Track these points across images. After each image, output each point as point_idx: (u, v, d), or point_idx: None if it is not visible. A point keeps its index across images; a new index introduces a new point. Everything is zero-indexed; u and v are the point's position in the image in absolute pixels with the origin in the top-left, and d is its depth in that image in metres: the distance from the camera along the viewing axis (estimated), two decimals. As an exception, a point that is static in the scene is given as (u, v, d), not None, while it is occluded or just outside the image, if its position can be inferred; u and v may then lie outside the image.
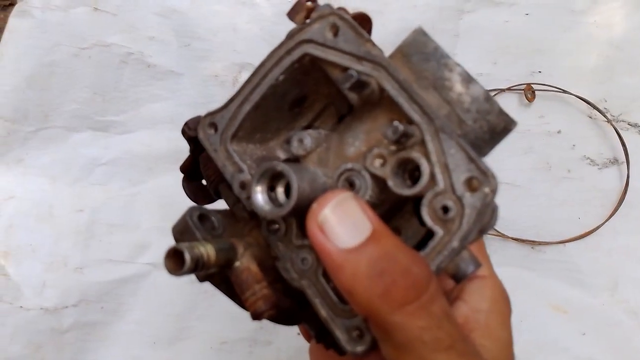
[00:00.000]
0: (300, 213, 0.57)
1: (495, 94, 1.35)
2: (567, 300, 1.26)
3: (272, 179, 0.57)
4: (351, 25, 0.59)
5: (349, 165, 0.59)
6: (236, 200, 0.67)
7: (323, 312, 0.60)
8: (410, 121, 0.57)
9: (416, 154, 0.57)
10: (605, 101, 1.34)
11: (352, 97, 0.60)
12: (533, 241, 1.30)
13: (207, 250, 0.55)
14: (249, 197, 0.61)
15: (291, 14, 0.63)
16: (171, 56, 1.34)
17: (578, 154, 1.34)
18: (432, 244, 0.56)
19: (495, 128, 0.59)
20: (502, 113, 0.59)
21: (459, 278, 0.57)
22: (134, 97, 1.32)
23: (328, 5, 0.61)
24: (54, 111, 1.26)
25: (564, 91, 1.34)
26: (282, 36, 0.64)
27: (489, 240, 1.30)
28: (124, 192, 1.29)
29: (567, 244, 1.29)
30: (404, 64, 0.61)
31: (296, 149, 0.62)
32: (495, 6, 1.39)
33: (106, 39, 1.30)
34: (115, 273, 1.25)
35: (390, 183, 0.57)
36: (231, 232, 0.65)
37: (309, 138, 0.61)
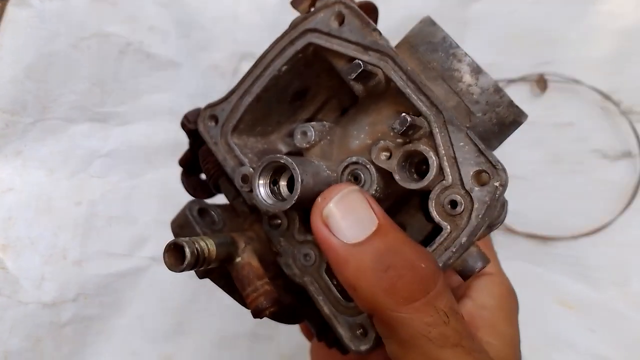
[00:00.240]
0: (303, 207, 0.56)
1: (505, 85, 1.34)
2: (576, 296, 1.25)
3: (275, 172, 0.56)
4: (357, 14, 0.58)
5: (354, 159, 0.58)
6: (236, 195, 0.66)
7: (326, 309, 0.60)
8: (417, 113, 0.56)
9: (424, 147, 0.56)
10: (618, 92, 1.32)
11: (358, 88, 0.59)
12: (543, 236, 1.29)
13: (208, 245, 0.54)
14: (250, 191, 0.61)
15: (295, 3, 0.62)
16: (171, 46, 1.33)
17: (589, 146, 1.32)
18: (439, 239, 0.55)
19: (504, 121, 0.59)
20: (512, 105, 0.58)
21: (466, 275, 0.56)
22: (133, 88, 1.31)
23: None
24: (53, 102, 1.26)
25: (576, 82, 1.32)
26: (284, 25, 0.63)
27: (498, 235, 1.29)
28: (123, 184, 1.29)
29: (577, 238, 1.28)
30: (411, 55, 0.60)
31: (299, 141, 0.61)
32: (505, -7, 1.38)
33: (105, 29, 1.29)
34: (114, 266, 1.24)
35: (397, 177, 0.57)
36: (231, 227, 0.65)
37: (312, 130, 0.60)
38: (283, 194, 0.57)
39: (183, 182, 0.76)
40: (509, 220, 1.30)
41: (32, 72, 1.23)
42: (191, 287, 1.26)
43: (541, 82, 1.34)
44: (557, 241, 1.28)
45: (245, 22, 1.34)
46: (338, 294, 0.60)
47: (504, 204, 0.58)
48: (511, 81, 1.35)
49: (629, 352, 1.20)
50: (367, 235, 0.51)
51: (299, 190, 0.52)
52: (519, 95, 1.34)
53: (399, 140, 0.57)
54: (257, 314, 0.57)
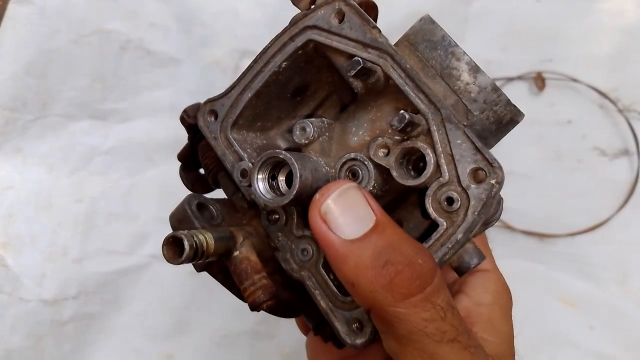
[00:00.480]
0: (301, 203, 0.57)
1: (504, 83, 1.35)
2: (576, 293, 1.26)
3: (274, 167, 0.57)
4: (357, 12, 0.59)
5: (352, 155, 0.59)
6: (235, 190, 0.67)
7: (323, 303, 0.61)
8: (415, 110, 0.57)
9: (421, 144, 0.56)
10: (616, 90, 1.33)
11: (357, 85, 0.60)
12: (542, 234, 1.29)
13: (207, 239, 0.55)
14: (249, 185, 0.61)
15: (295, 0, 0.63)
16: (171, 43, 1.33)
17: (588, 144, 1.33)
18: (435, 235, 0.56)
19: (502, 119, 0.59)
20: (509, 104, 0.59)
21: (462, 271, 0.57)
22: (133, 85, 1.31)
23: None
24: (53, 99, 1.26)
25: (575, 80, 1.33)
26: (285, 22, 0.63)
27: (497, 232, 1.30)
28: (124, 181, 1.29)
29: (576, 236, 1.29)
30: (411, 52, 0.61)
31: (298, 137, 0.62)
32: (506, -9, 1.38)
33: (106, 25, 1.29)
34: (114, 264, 1.25)
35: (395, 173, 0.57)
36: (230, 222, 0.65)
37: (311, 126, 0.61)
38: (281, 189, 0.57)
39: (182, 177, 0.76)
40: (508, 217, 1.30)
41: (33, 69, 1.23)
42: (192, 285, 1.26)
43: (539, 80, 1.34)
44: (557, 238, 1.29)
45: (246, 19, 1.34)
46: (335, 289, 0.61)
47: (499, 202, 0.59)
48: (510, 79, 1.35)
49: (630, 349, 1.20)
50: (365, 232, 0.51)
51: (297, 186, 0.53)
52: (517, 93, 1.35)
53: (397, 137, 0.58)
54: (255, 307, 0.58)
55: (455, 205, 0.55)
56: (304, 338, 0.86)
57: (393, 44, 0.60)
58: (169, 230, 0.61)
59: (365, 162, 0.59)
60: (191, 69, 1.33)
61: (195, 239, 0.53)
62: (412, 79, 0.57)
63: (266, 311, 0.60)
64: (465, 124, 0.56)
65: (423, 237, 0.58)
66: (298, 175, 0.53)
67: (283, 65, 0.62)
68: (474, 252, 0.57)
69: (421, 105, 0.56)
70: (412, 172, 0.59)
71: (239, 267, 0.59)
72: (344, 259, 0.51)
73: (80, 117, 1.29)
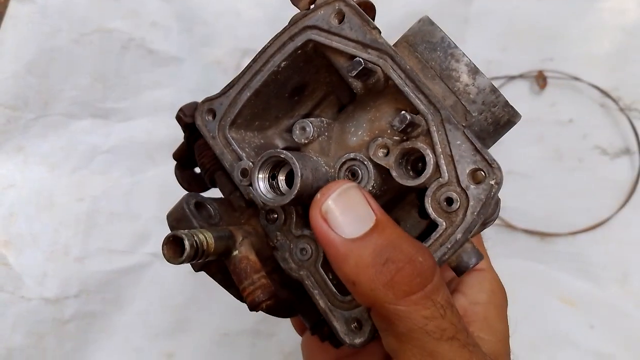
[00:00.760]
0: (301, 202, 0.57)
1: (505, 82, 1.34)
2: (576, 293, 1.26)
3: (274, 166, 0.57)
4: (357, 12, 0.59)
5: (351, 155, 0.59)
6: (233, 189, 0.67)
7: (322, 303, 0.61)
8: (415, 111, 0.57)
9: (421, 145, 0.57)
10: (618, 89, 1.33)
11: (356, 85, 0.60)
12: (542, 232, 1.29)
13: (207, 238, 0.55)
14: (250, 185, 0.61)
15: (294, 0, 0.63)
16: (173, 42, 1.33)
17: (589, 143, 1.33)
18: (434, 235, 0.56)
19: (499, 120, 0.60)
20: (507, 105, 0.60)
21: (461, 270, 0.58)
22: (135, 84, 1.31)
23: None
24: (54, 98, 1.26)
25: (576, 78, 1.33)
26: (286, 21, 0.64)
27: (497, 232, 1.30)
28: (125, 180, 1.29)
29: (577, 235, 1.29)
30: (410, 53, 0.61)
31: (298, 137, 0.62)
32: (506, -9, 1.38)
33: (107, 24, 1.29)
34: (116, 263, 1.25)
35: (394, 173, 0.58)
36: (228, 221, 0.65)
37: (311, 126, 0.61)
38: (281, 189, 0.58)
39: (177, 176, 0.76)
40: (508, 216, 1.30)
41: (34, 68, 1.23)
42: (193, 284, 1.26)
43: (541, 79, 1.34)
44: (557, 238, 1.29)
45: (247, 18, 1.34)
46: (334, 288, 0.61)
47: (497, 202, 0.60)
48: (511, 78, 1.35)
49: (629, 349, 1.20)
50: (365, 231, 0.52)
51: (298, 185, 0.53)
52: (518, 92, 1.35)
53: (397, 138, 0.58)
54: (254, 307, 0.58)
55: (455, 206, 0.55)
56: (305, 337, 0.86)
57: (392, 45, 0.60)
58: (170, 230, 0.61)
59: (365, 162, 0.59)
60: (192, 69, 1.33)
61: (195, 238, 0.53)
62: (412, 80, 0.57)
63: (264, 311, 0.60)
64: (464, 124, 0.57)
65: (421, 237, 0.58)
66: (299, 175, 0.53)
67: (282, 65, 0.62)
68: (473, 251, 0.57)
69: (421, 106, 0.57)
70: (411, 173, 0.60)
71: (238, 267, 0.59)
72: (344, 258, 0.51)
73: (82, 116, 1.28)
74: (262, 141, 0.68)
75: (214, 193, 0.70)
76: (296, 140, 0.62)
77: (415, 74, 0.57)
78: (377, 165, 0.59)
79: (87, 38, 1.28)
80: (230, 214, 0.66)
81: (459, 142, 0.56)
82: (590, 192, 1.31)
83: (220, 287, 0.65)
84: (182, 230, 0.53)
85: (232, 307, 1.26)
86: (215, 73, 1.33)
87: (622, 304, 1.23)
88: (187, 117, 0.68)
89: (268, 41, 0.63)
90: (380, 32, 0.59)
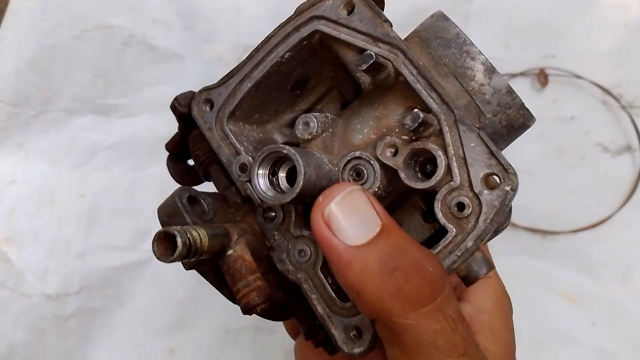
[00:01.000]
0: (302, 202, 0.53)
1: (507, 79, 1.34)
2: (578, 290, 1.24)
3: (275, 162, 0.53)
4: (368, 4, 0.56)
5: (357, 154, 0.56)
6: (228, 184, 0.63)
7: (319, 308, 0.57)
8: (427, 109, 0.53)
9: (432, 145, 0.53)
10: (619, 86, 1.32)
11: (364, 80, 0.56)
12: (544, 230, 1.28)
13: (200, 236, 0.51)
14: (248, 181, 0.58)
15: None
16: (174, 38, 1.31)
17: (591, 140, 1.31)
18: (443, 242, 0.52)
19: (514, 123, 0.57)
20: (522, 108, 0.56)
21: (470, 280, 0.54)
22: (136, 80, 1.29)
23: None
24: (55, 94, 1.25)
25: (577, 76, 1.31)
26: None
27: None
28: (126, 177, 1.27)
29: (578, 232, 1.28)
30: (422, 49, 0.57)
31: (301, 132, 0.57)
32: (508, -13, 1.37)
33: (108, 20, 1.28)
34: (117, 259, 1.23)
35: (402, 175, 0.54)
36: (222, 217, 0.61)
37: (315, 121, 0.57)
38: (282, 187, 0.54)
39: (169, 168, 0.72)
40: (511, 214, 1.30)
41: (35, 64, 1.23)
42: (194, 280, 1.24)
43: (542, 76, 1.33)
44: (559, 235, 1.28)
45: (248, 14, 1.33)
46: (333, 294, 0.57)
47: (510, 208, 0.55)
48: (513, 75, 1.34)
49: (631, 346, 1.18)
50: (370, 237, 0.48)
51: (301, 184, 0.49)
52: (520, 89, 1.32)
53: (405, 137, 0.55)
54: (248, 310, 0.54)
55: (466, 212, 0.52)
56: (306, 334, 0.85)
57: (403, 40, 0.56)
58: (170, 226, 0.58)
59: (371, 162, 0.55)
60: (194, 65, 1.32)
61: (188, 235, 0.49)
62: (425, 77, 0.53)
63: (258, 314, 0.57)
64: (477, 126, 0.53)
65: (426, 243, 0.55)
66: (302, 172, 0.49)
67: (286, 56, 0.59)
68: (483, 261, 0.54)
69: (433, 104, 0.53)
70: (419, 174, 0.56)
71: (233, 267, 0.55)
72: (348, 265, 0.48)
73: (83, 112, 1.28)
74: (260, 135, 0.64)
75: (208, 187, 0.66)
76: (299, 135, 0.58)
77: (428, 70, 0.54)
78: (383, 165, 0.55)
79: (88, 34, 1.27)
80: (224, 210, 0.62)
81: (472, 144, 0.52)
82: (591, 190, 1.29)
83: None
84: (174, 227, 0.49)
85: (233, 304, 1.25)
86: (217, 69, 1.30)
87: (623, 301, 1.21)
88: (182, 107, 0.65)
89: (272, 30, 0.59)
90: (391, 26, 0.56)
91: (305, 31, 0.58)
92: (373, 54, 0.53)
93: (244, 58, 0.63)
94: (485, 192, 0.52)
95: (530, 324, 1.22)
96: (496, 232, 0.56)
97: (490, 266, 0.54)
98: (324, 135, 0.58)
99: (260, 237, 0.61)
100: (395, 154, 0.55)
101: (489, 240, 0.54)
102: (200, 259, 0.53)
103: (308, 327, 0.62)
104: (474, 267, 0.54)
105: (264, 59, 0.59)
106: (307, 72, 0.62)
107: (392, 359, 0.51)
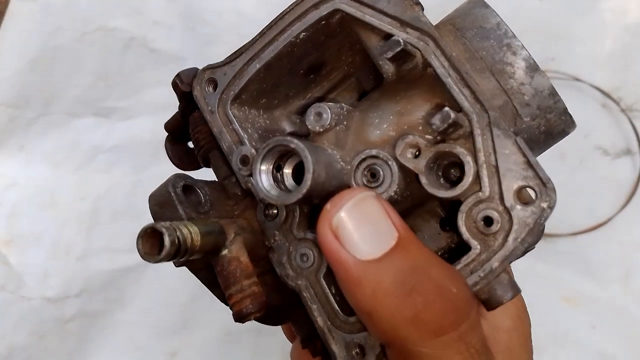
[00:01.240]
0: (309, 203, 0.47)
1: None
2: (578, 292, 1.22)
3: (280, 156, 0.47)
4: None
5: (373, 152, 0.49)
6: (229, 173, 0.56)
7: (320, 321, 0.51)
8: (457, 108, 0.47)
9: (461, 149, 0.46)
10: (619, 90, 1.30)
11: (388, 69, 0.49)
12: (545, 233, 1.28)
13: (192, 234, 0.45)
14: (250, 175, 0.51)
15: None
16: (175, 40, 1.29)
17: (591, 143, 1.30)
18: (465, 259, 0.46)
19: (552, 130, 0.51)
20: (565, 113, 0.50)
21: (492, 305, 0.47)
22: (137, 83, 1.27)
23: None
24: (56, 97, 1.23)
25: (577, 79, 1.31)
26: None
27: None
28: (128, 179, 1.25)
29: (578, 235, 1.28)
30: (456, 39, 0.51)
31: (312, 123, 0.51)
32: (508, -10, 1.37)
33: (110, 23, 1.26)
34: (118, 262, 1.21)
35: (424, 180, 0.47)
36: (219, 210, 0.55)
37: (329, 112, 0.50)
38: (287, 184, 0.48)
39: (167, 150, 0.66)
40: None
41: (36, 66, 1.22)
42: (195, 282, 1.24)
43: (542, 80, 1.33)
44: (559, 238, 1.27)
45: (250, 16, 1.31)
46: (336, 305, 0.51)
47: (543, 228, 0.48)
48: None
49: (632, 348, 1.16)
50: (385, 251, 0.42)
51: (308, 183, 0.43)
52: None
53: (429, 137, 0.48)
54: (240, 319, 0.49)
55: (494, 228, 0.45)
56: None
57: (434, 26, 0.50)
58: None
59: (389, 162, 0.48)
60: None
61: (178, 233, 0.43)
62: (457, 70, 0.47)
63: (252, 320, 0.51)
64: (513, 131, 0.47)
65: (442, 254, 0.50)
66: (310, 171, 0.43)
67: (301, 36, 0.52)
68: (509, 284, 0.46)
69: (465, 102, 0.46)
70: (441, 180, 0.49)
71: (227, 269, 0.49)
72: (358, 283, 0.41)
73: (84, 114, 1.26)
74: (267, 122, 0.58)
75: (207, 174, 0.61)
76: (310, 127, 0.51)
77: (462, 63, 0.47)
78: (402, 167, 0.48)
79: (89, 37, 1.26)
80: (222, 202, 0.56)
81: (507, 151, 0.45)
82: (592, 193, 1.29)
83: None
84: (162, 223, 0.43)
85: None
86: (218, 72, 1.32)
87: (624, 304, 1.20)
88: (184, 85, 0.58)
89: (288, 6, 0.52)
90: (423, 9, 0.49)
91: (324, 9, 0.51)
92: (401, 41, 0.46)
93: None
94: (518, 207, 0.45)
95: (531, 325, 1.22)
96: (524, 252, 0.48)
97: (517, 290, 0.47)
98: (338, 128, 0.51)
99: (259, 235, 0.54)
100: (417, 155, 0.48)
101: (516, 259, 0.47)
102: (191, 258, 0.47)
103: (305, 335, 0.57)
104: (498, 290, 0.46)
105: (276, 37, 0.53)
106: (322, 56, 0.55)
107: None
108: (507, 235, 0.45)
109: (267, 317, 0.54)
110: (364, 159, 0.49)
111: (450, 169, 0.49)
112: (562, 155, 1.32)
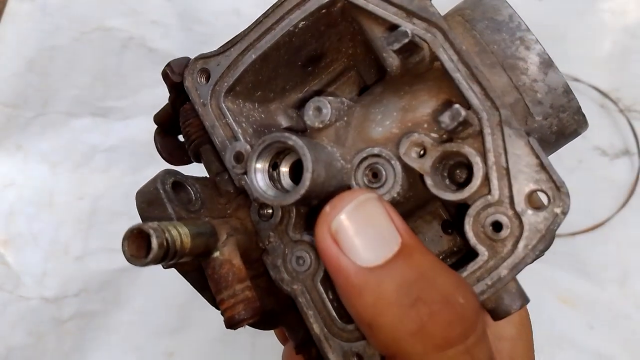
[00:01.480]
0: (306, 203, 0.44)
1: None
2: (575, 293, 1.19)
3: (277, 153, 0.44)
4: None
5: (376, 150, 0.45)
6: (221, 169, 0.53)
7: (316, 328, 0.48)
8: (465, 105, 0.43)
9: (469, 149, 0.43)
10: (617, 90, 1.28)
11: (392, 62, 0.46)
12: (542, 233, 1.28)
13: (181, 235, 0.42)
14: (244, 173, 0.48)
15: None
16: (173, 40, 1.27)
17: (589, 144, 1.28)
18: (472, 266, 0.43)
19: (565, 130, 0.47)
20: (578, 112, 0.47)
21: (498, 315, 0.44)
22: (135, 83, 1.25)
23: None
24: (54, 96, 1.23)
25: (576, 80, 1.30)
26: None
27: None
28: (126, 179, 1.23)
29: (576, 235, 1.28)
30: (466, 31, 0.47)
31: (311, 119, 0.47)
32: (507, -9, 1.36)
33: (108, 22, 1.24)
34: (116, 262, 1.19)
35: (429, 181, 0.44)
36: (210, 208, 0.52)
37: (329, 107, 0.47)
38: (283, 183, 0.45)
39: (156, 143, 0.63)
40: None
41: (34, 66, 1.21)
42: (194, 282, 1.25)
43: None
44: (557, 238, 1.27)
45: (247, 17, 1.30)
46: (333, 312, 0.48)
47: (554, 234, 0.46)
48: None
49: (629, 349, 1.14)
50: (387, 257, 0.39)
51: (307, 183, 0.40)
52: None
53: (435, 135, 0.45)
54: (232, 325, 0.46)
55: (503, 233, 0.42)
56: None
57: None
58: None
59: (392, 162, 0.45)
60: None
61: (167, 234, 0.40)
62: (467, 65, 0.43)
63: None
64: (525, 130, 0.43)
65: (444, 258, 0.47)
66: (310, 170, 0.40)
67: (300, 25, 0.48)
68: (517, 293, 0.44)
69: (474, 99, 0.43)
70: (447, 181, 0.46)
71: (218, 272, 0.47)
72: (359, 292, 0.38)
73: (82, 114, 1.25)
74: (262, 116, 0.54)
75: (196, 169, 0.58)
76: (308, 122, 0.48)
77: (472, 57, 0.44)
78: (406, 167, 0.45)
79: (87, 36, 1.25)
80: (214, 200, 0.53)
81: (518, 152, 0.42)
82: (589, 193, 1.28)
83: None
84: (150, 223, 0.40)
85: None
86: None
87: (621, 305, 1.17)
88: (175, 75, 0.55)
89: None
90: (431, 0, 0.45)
91: None
92: (409, 32, 0.42)
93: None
94: (529, 212, 0.42)
95: (529, 326, 1.21)
96: (534, 260, 0.46)
97: (525, 299, 0.44)
98: (338, 124, 0.48)
99: (252, 236, 0.51)
100: (422, 155, 0.44)
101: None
102: (181, 261, 0.43)
103: (300, 341, 0.53)
104: (506, 299, 0.43)
105: (273, 26, 0.49)
106: (322, 47, 0.52)
107: None
108: (517, 242, 0.42)
109: (260, 322, 0.51)
110: (365, 158, 0.46)
111: (455, 169, 0.46)
112: (560, 155, 1.29)
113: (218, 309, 0.47)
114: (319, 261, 0.48)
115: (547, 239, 0.43)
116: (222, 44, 0.51)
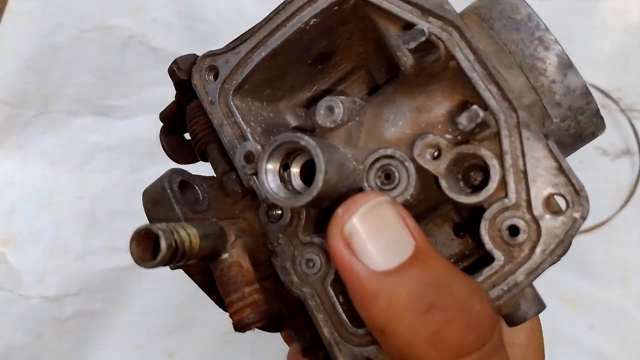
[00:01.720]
0: (318, 206, 0.43)
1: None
2: (577, 293, 1.19)
3: (288, 154, 0.42)
4: None
5: (389, 151, 0.44)
6: (228, 169, 0.52)
7: (326, 332, 0.47)
8: (482, 106, 0.42)
9: (486, 152, 0.42)
10: (619, 90, 1.28)
11: (407, 61, 0.44)
12: (543, 233, 1.28)
13: (190, 236, 0.41)
14: (254, 174, 0.46)
15: None
16: (174, 39, 1.26)
17: (590, 143, 1.30)
18: (488, 271, 0.41)
19: (582, 132, 0.46)
20: (596, 115, 0.46)
21: (514, 321, 0.43)
22: (136, 81, 1.24)
23: None
24: (55, 95, 1.22)
25: (577, 79, 1.31)
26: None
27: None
28: (126, 178, 1.22)
29: (577, 235, 1.28)
30: (482, 30, 0.46)
31: (323, 118, 0.46)
32: (508, -10, 1.36)
33: (109, 21, 1.23)
34: (117, 261, 1.18)
35: (444, 184, 0.42)
36: (217, 208, 0.51)
37: (341, 107, 0.45)
38: (294, 184, 0.43)
39: (162, 141, 0.62)
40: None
41: (35, 64, 1.21)
42: (194, 283, 1.25)
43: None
44: (557, 238, 1.28)
45: (249, 15, 1.30)
46: (344, 316, 0.46)
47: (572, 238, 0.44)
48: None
49: (630, 349, 1.14)
50: (401, 262, 0.38)
51: (320, 185, 0.39)
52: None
53: (449, 136, 0.44)
54: (240, 328, 0.46)
55: (520, 238, 0.41)
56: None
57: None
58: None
59: (406, 163, 0.43)
60: (194, 66, 1.31)
61: (175, 236, 0.39)
62: (484, 65, 0.42)
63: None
64: (542, 132, 0.42)
65: (457, 264, 0.45)
66: (322, 171, 0.38)
67: (311, 23, 0.47)
68: (534, 299, 0.42)
69: (492, 100, 0.42)
70: (461, 183, 0.45)
71: (227, 275, 0.46)
72: (372, 297, 0.37)
73: (83, 113, 1.24)
74: (271, 115, 0.53)
75: (201, 168, 0.57)
76: (319, 122, 0.46)
77: (489, 57, 0.42)
78: (419, 169, 0.43)
79: (88, 35, 1.24)
80: (221, 200, 0.52)
81: (537, 155, 0.41)
82: (590, 193, 1.27)
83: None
84: (159, 224, 0.39)
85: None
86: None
87: (622, 304, 1.17)
88: (181, 72, 0.54)
89: None
90: None
91: None
92: (425, 30, 0.41)
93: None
94: (547, 216, 0.41)
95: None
96: (551, 265, 0.45)
97: (542, 305, 0.43)
98: (350, 124, 0.46)
99: (260, 238, 0.50)
100: (437, 156, 0.43)
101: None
102: (188, 263, 0.42)
103: (307, 344, 0.52)
104: (522, 305, 0.42)
105: (284, 23, 0.48)
106: (332, 45, 0.50)
107: None
108: (534, 247, 0.41)
109: (267, 325, 0.49)
110: (377, 159, 0.44)
111: (470, 171, 0.44)
112: (561, 155, 1.31)
113: (226, 310, 0.46)
114: (329, 264, 0.47)
115: (565, 245, 0.41)
116: (230, 41, 0.50)
